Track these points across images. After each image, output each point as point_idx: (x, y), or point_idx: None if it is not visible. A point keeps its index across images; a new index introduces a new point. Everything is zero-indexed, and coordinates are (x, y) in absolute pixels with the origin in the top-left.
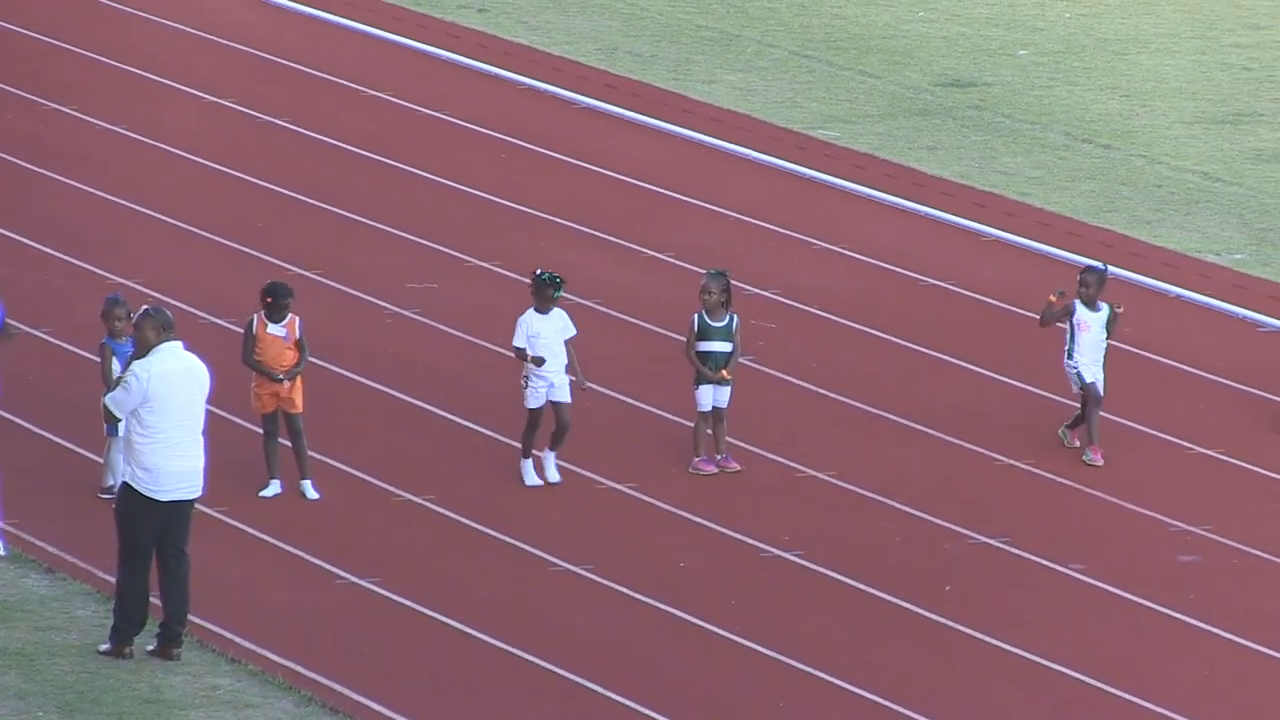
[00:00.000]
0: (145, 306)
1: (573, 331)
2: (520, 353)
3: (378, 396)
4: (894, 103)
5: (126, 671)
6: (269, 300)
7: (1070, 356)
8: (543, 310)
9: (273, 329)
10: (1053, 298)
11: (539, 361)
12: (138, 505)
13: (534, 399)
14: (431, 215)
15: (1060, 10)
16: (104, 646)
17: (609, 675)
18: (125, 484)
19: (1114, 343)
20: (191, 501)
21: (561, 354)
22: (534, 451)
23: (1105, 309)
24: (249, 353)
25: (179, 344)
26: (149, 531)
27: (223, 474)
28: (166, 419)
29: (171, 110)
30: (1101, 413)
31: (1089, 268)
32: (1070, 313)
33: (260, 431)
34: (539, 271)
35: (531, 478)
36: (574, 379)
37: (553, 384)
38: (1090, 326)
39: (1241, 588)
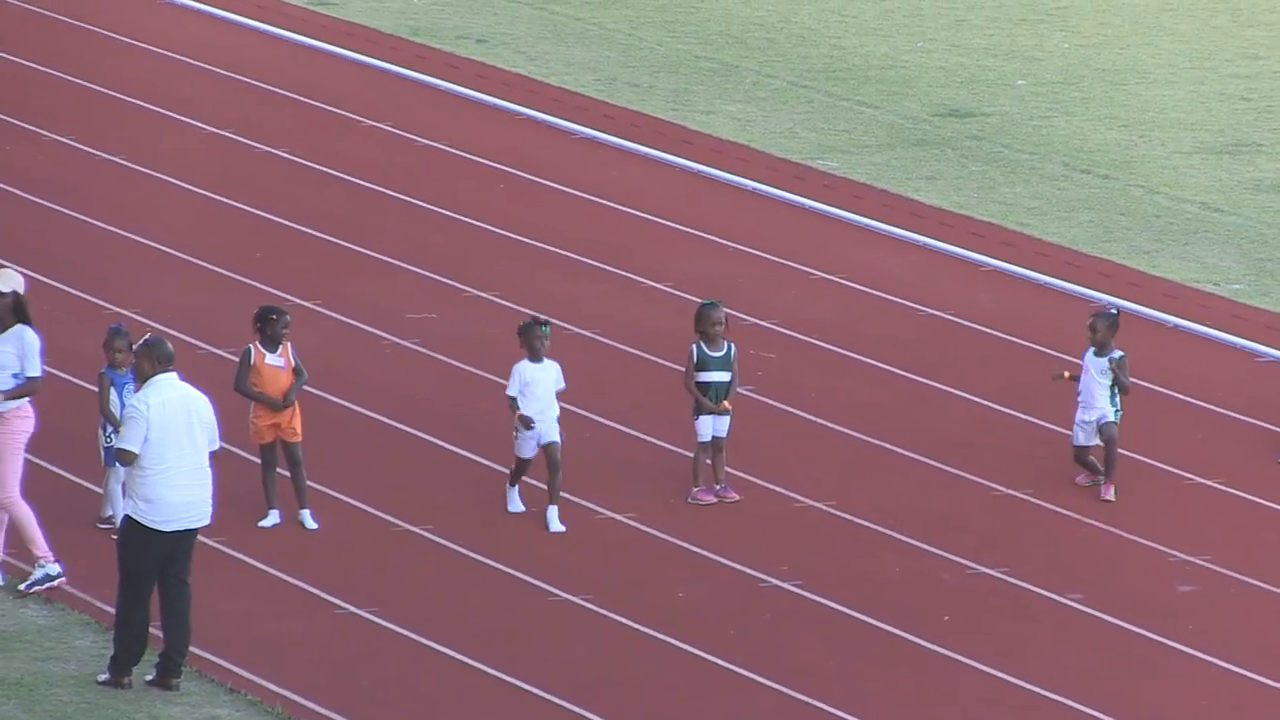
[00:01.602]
0: (146, 337)
1: (563, 385)
2: (513, 403)
3: (376, 427)
4: (892, 133)
5: (125, 701)
6: (265, 323)
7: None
8: (535, 359)
9: (271, 359)
10: (1059, 378)
11: (528, 424)
12: (140, 537)
13: (525, 449)
14: (430, 245)
15: (1058, 41)
16: (103, 677)
17: (607, 706)
18: (127, 516)
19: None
20: (195, 531)
21: (554, 404)
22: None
23: (1112, 357)
24: (243, 381)
25: (174, 375)
26: (151, 562)
27: (221, 504)
28: (165, 450)
29: (169, 140)
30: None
31: (1097, 312)
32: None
33: (258, 461)
34: (528, 320)
35: (516, 504)
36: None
37: (542, 433)
38: (1088, 369)
39: (1241, 618)
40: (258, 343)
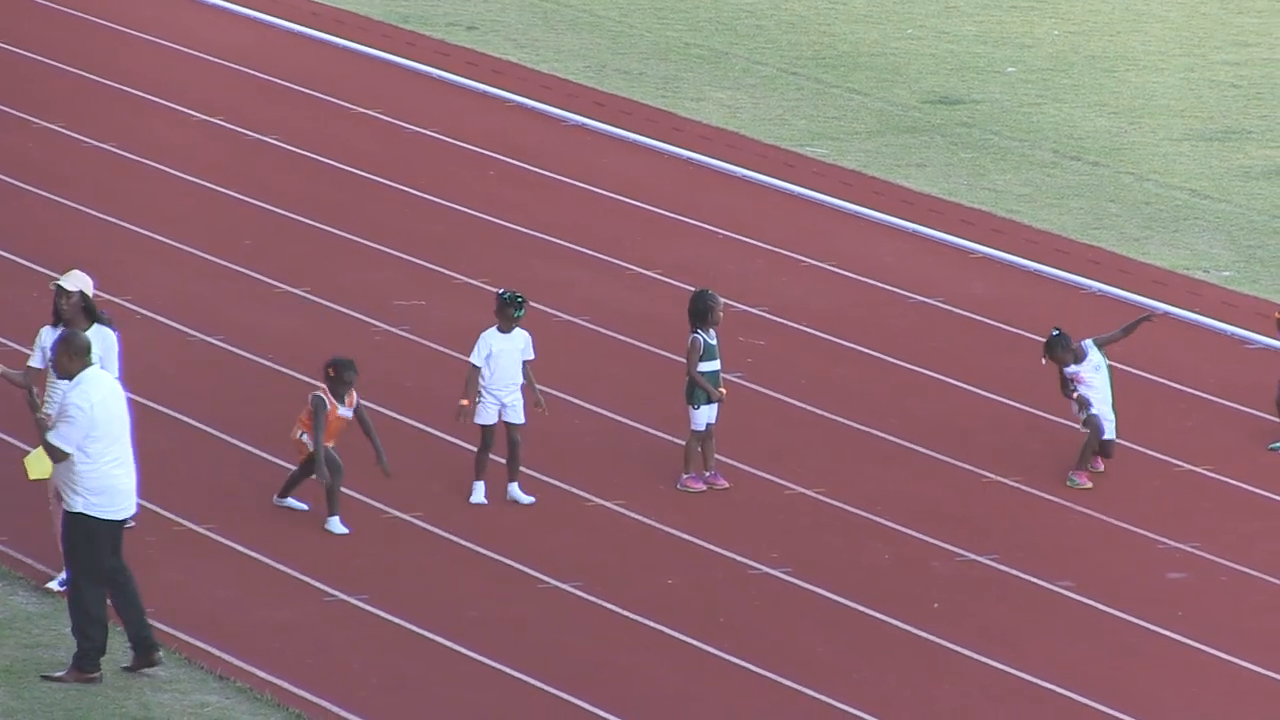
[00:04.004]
0: (60, 332)
1: (532, 355)
2: (472, 372)
3: (367, 413)
4: (882, 120)
5: (114, 689)
6: (333, 374)
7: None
8: (505, 329)
9: (342, 411)
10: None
11: (464, 411)
12: (97, 530)
13: (484, 415)
14: (420, 232)
15: (1048, 28)
16: (60, 673)
17: (597, 692)
18: (78, 514)
19: (1110, 363)
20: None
21: (518, 374)
22: (486, 478)
23: (1090, 349)
24: (320, 433)
25: (97, 366)
26: (107, 553)
27: (211, 492)
28: (114, 444)
29: (161, 128)
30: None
31: (1046, 343)
32: (1061, 376)
33: (249, 449)
34: (502, 291)
35: (479, 496)
36: (534, 401)
37: (505, 404)
38: (1084, 375)
39: (1230, 605)
40: (328, 392)
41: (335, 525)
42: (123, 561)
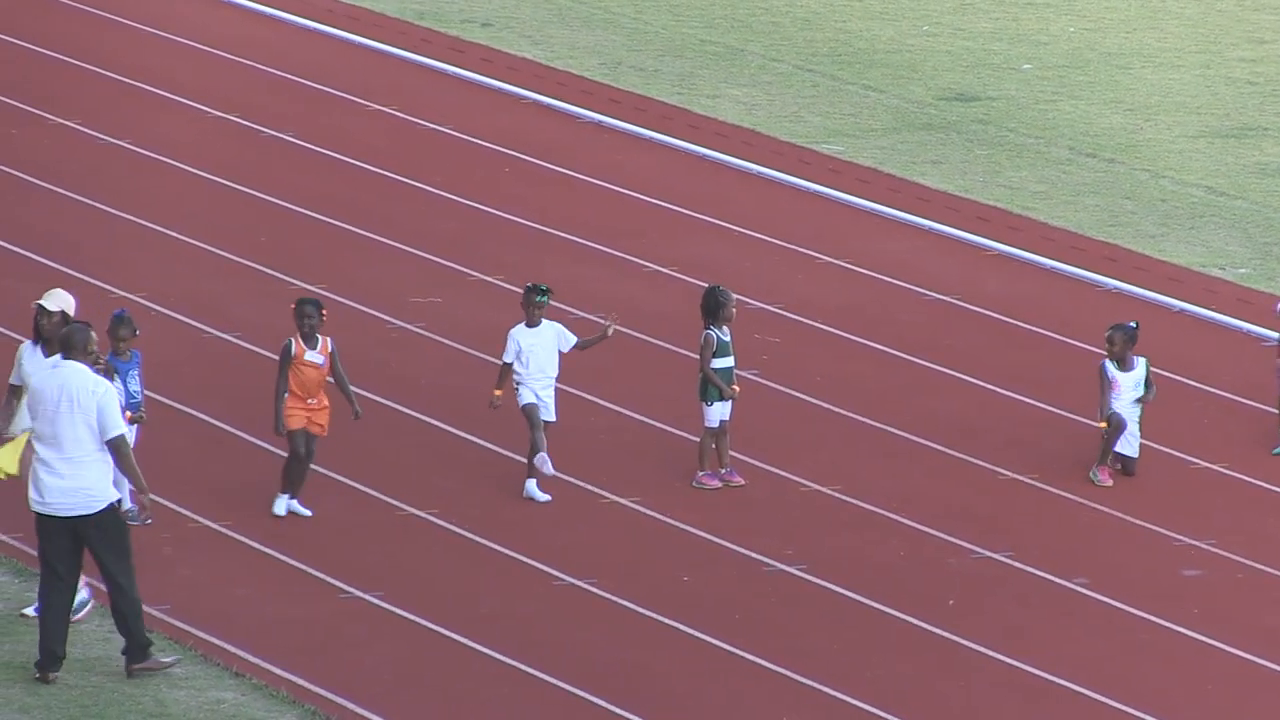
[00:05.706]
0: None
1: (572, 339)
2: (504, 370)
3: (381, 410)
4: (898, 117)
5: (131, 686)
6: (293, 310)
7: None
8: (531, 323)
9: (310, 355)
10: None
11: (496, 400)
12: (39, 521)
13: (525, 396)
14: (435, 229)
15: (1064, 24)
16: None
17: (611, 690)
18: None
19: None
20: (87, 518)
21: (553, 367)
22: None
23: (1140, 365)
24: (281, 373)
25: (73, 362)
26: (47, 547)
27: (226, 489)
28: (43, 435)
29: (174, 124)
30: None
31: (1115, 325)
32: (1102, 372)
33: (266, 447)
34: (528, 284)
35: (549, 468)
36: (607, 328)
37: (539, 399)
38: (1121, 386)
39: (1245, 603)
40: (297, 336)
41: (282, 507)
42: (112, 576)
